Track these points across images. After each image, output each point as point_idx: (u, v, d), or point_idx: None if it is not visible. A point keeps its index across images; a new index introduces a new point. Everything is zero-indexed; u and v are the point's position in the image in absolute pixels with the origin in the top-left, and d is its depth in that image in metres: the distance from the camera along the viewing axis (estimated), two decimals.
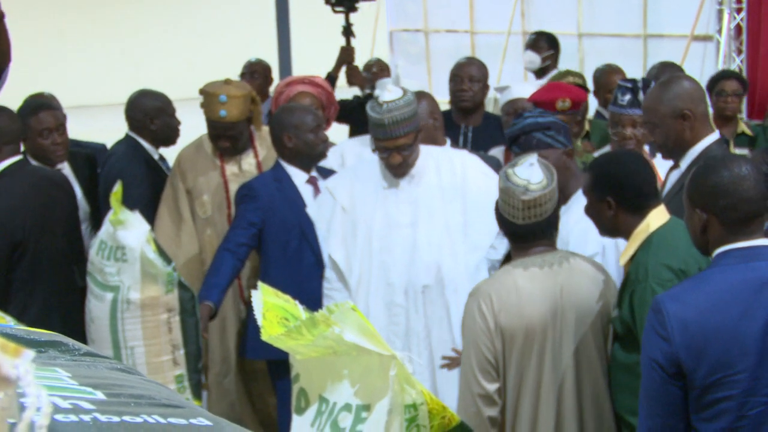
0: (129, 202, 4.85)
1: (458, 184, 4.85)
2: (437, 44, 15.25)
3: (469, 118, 6.29)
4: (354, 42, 8.16)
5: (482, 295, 3.81)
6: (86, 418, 1.04)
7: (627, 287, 3.72)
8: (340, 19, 8.74)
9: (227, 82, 5.66)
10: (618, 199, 3.78)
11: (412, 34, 15.82)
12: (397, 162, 4.73)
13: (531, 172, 3.83)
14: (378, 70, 8.50)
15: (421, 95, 5.37)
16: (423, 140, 5.04)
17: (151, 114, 5.98)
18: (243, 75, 8.16)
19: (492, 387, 3.80)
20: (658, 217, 3.77)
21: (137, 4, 23.31)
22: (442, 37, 15.33)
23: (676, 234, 3.71)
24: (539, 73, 8.20)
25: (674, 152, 4.40)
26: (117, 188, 4.84)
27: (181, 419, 1.14)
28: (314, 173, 5.38)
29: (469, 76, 6.38)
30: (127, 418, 1.07)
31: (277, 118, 5.38)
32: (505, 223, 3.90)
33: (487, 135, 5.94)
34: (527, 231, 3.85)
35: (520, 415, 3.84)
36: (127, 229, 4.79)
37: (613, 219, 3.80)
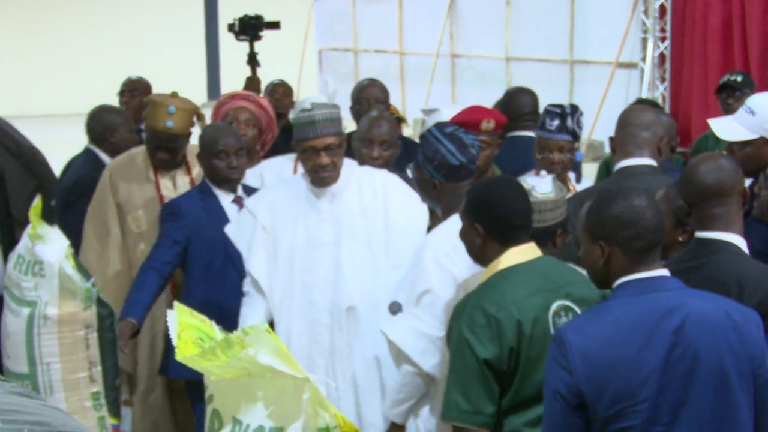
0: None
1: (379, 202, 4.84)
2: (366, 64, 15.31)
3: None
4: (282, 63, 8.13)
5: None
6: None
7: (451, 321, 3.66)
8: (271, 35, 8.70)
9: (174, 95, 5.61)
10: (486, 227, 3.66)
11: (341, 54, 15.87)
12: (325, 163, 4.69)
13: (540, 182, 3.95)
14: (282, 94, 7.65)
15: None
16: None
17: (111, 128, 6.10)
18: (123, 93, 7.66)
19: None
20: (515, 255, 3.65)
21: (63, 16, 23.08)
22: (371, 57, 15.39)
23: (519, 278, 3.60)
24: None
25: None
26: (36, 203, 4.78)
27: None
28: (240, 193, 5.35)
29: (374, 98, 6.36)
30: None
31: (200, 136, 5.36)
32: None
33: None
34: None
35: None
36: (46, 244, 4.74)
37: (481, 247, 3.69)
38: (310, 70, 16.47)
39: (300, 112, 4.72)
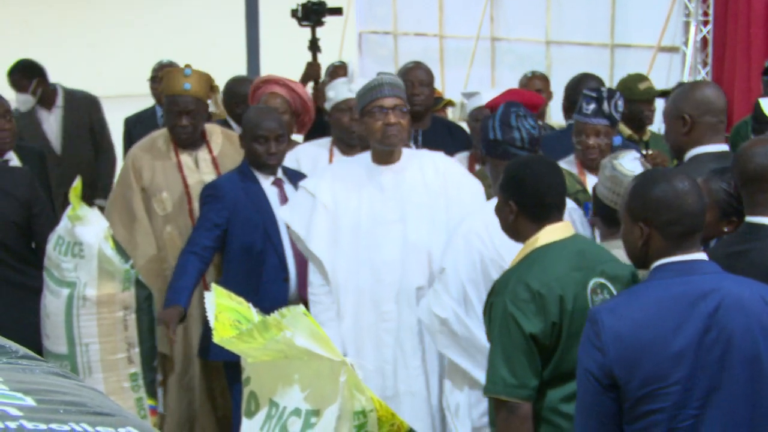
0: None
1: (441, 182, 4.86)
2: (406, 47, 15.25)
3: (419, 122, 6.27)
4: (322, 46, 8.13)
5: None
6: (12, 425, 1.02)
7: (490, 296, 3.72)
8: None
9: (187, 66, 5.64)
10: (519, 204, 3.73)
11: (381, 36, 15.82)
12: (393, 121, 4.70)
13: (636, 166, 4.13)
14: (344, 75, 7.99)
15: None
16: None
17: (237, 99, 6.40)
18: (154, 78, 7.65)
19: None
20: (552, 232, 3.71)
21: None
22: (410, 40, 15.34)
23: (559, 255, 3.67)
24: None
25: (674, 151, 4.55)
26: (76, 184, 4.81)
27: (109, 428, 1.13)
28: (280, 175, 5.35)
29: (418, 81, 6.37)
30: (54, 426, 1.05)
31: (243, 117, 5.40)
32: (603, 209, 4.16)
33: (437, 138, 5.91)
34: None
35: None
36: (85, 225, 4.77)
37: (513, 223, 3.77)
38: (349, 54, 16.46)
39: (365, 82, 4.81)
